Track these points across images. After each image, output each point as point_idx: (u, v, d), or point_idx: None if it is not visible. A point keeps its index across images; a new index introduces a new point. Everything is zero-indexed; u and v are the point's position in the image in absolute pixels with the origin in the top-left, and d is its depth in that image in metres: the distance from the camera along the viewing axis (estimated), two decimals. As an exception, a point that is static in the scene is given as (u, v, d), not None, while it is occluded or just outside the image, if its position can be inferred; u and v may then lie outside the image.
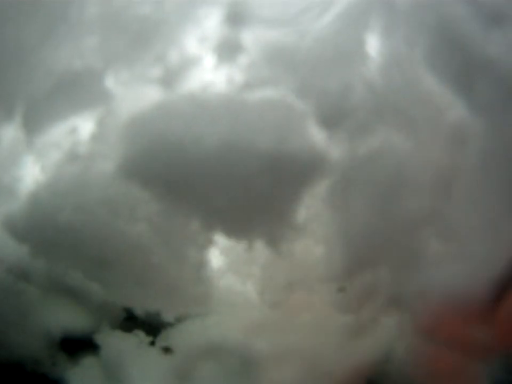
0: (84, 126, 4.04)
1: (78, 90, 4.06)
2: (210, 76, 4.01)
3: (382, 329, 4.04)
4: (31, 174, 4.05)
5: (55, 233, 3.91)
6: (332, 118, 3.96)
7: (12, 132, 4.11)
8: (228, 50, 3.99)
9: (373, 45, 4.11)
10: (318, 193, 3.99)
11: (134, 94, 4.02)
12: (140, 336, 4.13)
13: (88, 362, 4.04)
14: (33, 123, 4.07)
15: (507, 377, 3.92)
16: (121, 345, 4.09)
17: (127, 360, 4.04)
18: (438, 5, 4.09)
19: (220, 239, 4.06)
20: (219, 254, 4.15)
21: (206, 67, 4.04)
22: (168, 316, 4.10)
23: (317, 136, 3.90)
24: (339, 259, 3.99)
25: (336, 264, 4.00)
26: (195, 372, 4.00)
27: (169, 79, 4.01)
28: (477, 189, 4.00)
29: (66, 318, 4.05)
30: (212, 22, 4.05)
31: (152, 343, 4.13)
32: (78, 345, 4.05)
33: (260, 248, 4.01)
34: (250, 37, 3.99)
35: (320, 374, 3.91)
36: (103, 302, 4.10)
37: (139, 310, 4.09)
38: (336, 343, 3.99)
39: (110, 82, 4.07)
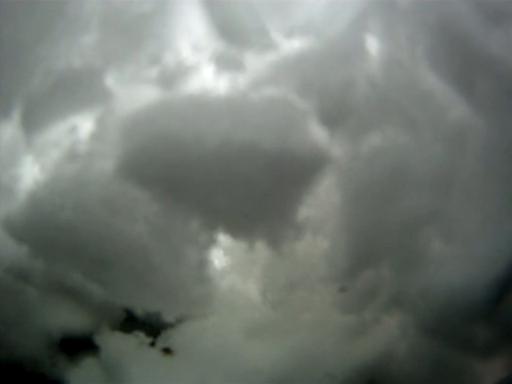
0: (83, 125, 4.03)
1: (77, 89, 4.04)
2: (211, 74, 4.01)
3: (384, 329, 4.04)
4: (30, 173, 4.03)
5: (54, 233, 3.89)
6: (334, 117, 3.97)
7: (10, 130, 4.09)
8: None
9: (374, 44, 4.14)
10: (320, 192, 3.98)
11: (134, 93, 4.01)
12: (140, 337, 4.10)
13: (88, 363, 4.00)
14: (32, 122, 4.05)
15: (508, 377, 3.91)
16: (121, 346, 4.06)
17: (127, 361, 4.00)
18: (439, 4, 4.10)
19: (222, 239, 4.05)
20: (222, 254, 4.13)
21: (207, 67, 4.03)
22: (168, 317, 4.07)
23: (318, 134, 3.90)
24: (341, 258, 3.99)
25: (338, 264, 4.00)
26: (195, 373, 3.97)
27: (169, 77, 4.00)
28: (478, 188, 3.99)
29: (66, 318, 4.02)
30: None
31: (153, 344, 4.10)
32: (78, 346, 4.02)
33: (262, 248, 4.00)
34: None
35: (323, 374, 3.89)
36: (103, 303, 4.06)
37: (139, 311, 4.06)
38: (338, 342, 3.98)
39: (110, 81, 4.06)
